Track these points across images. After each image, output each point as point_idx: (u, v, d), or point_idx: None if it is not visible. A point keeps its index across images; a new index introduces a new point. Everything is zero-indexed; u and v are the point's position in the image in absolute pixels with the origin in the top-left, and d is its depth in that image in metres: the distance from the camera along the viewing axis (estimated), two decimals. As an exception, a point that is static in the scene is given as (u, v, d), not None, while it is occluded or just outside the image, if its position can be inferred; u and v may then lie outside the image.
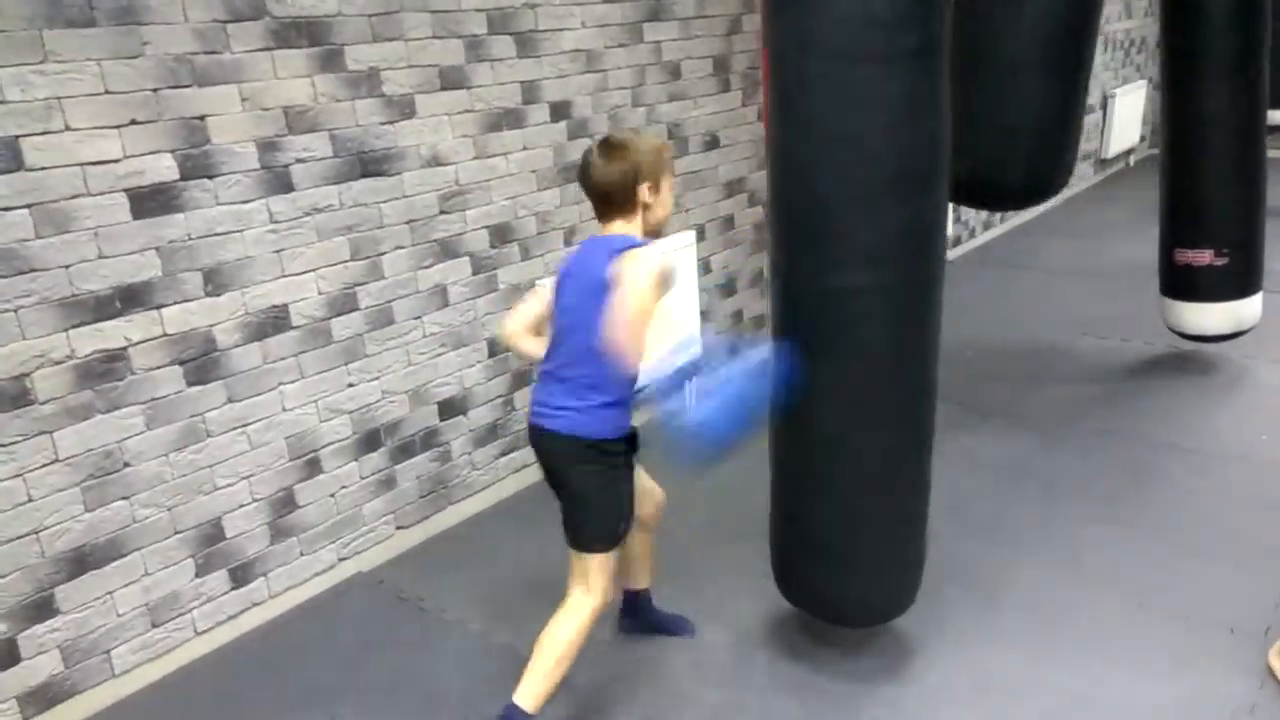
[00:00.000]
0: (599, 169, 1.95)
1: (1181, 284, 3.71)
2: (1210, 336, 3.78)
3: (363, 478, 2.81)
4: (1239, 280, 3.62)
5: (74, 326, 2.17)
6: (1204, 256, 3.61)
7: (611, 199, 1.96)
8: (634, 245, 1.90)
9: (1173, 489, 2.95)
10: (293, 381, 2.59)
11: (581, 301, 1.91)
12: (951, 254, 5.58)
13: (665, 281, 1.88)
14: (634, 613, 2.43)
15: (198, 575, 2.47)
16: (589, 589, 1.98)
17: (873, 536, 2.08)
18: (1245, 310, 3.67)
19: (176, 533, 2.42)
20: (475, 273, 3.00)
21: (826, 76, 1.81)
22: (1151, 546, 2.63)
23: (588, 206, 3.31)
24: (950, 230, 5.40)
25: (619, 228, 1.97)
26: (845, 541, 2.09)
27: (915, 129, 1.84)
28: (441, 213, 2.87)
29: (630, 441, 2.03)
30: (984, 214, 6.00)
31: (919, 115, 1.83)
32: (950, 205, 5.34)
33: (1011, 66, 2.92)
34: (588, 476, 1.97)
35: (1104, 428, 3.38)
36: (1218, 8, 3.29)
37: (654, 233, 2.01)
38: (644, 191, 1.94)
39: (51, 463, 2.18)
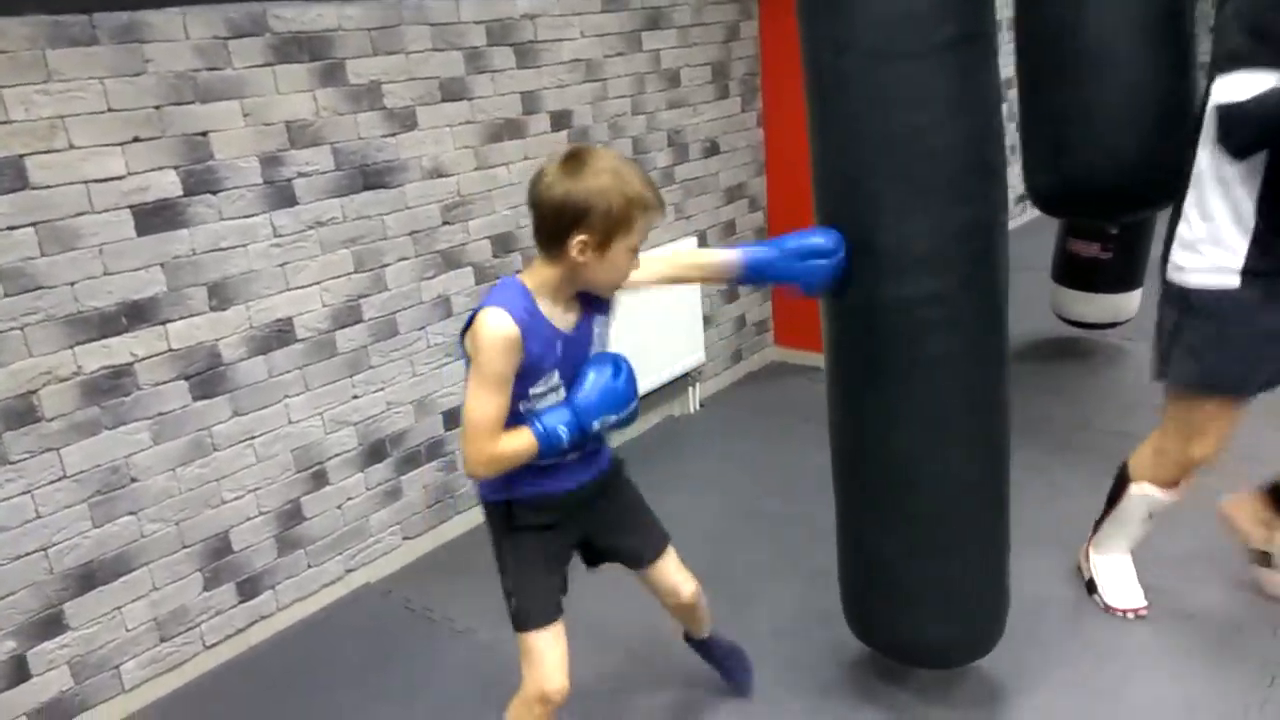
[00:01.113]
0: (544, 183, 1.51)
1: (1071, 272, 3.88)
2: (1090, 324, 3.96)
3: (369, 489, 2.81)
4: (1125, 275, 3.78)
5: (80, 343, 2.18)
6: (1092, 248, 3.73)
7: (540, 227, 1.53)
8: (493, 302, 1.52)
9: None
10: (298, 394, 2.60)
11: (464, 360, 1.60)
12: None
13: (498, 351, 1.50)
14: (693, 644, 2.17)
15: (206, 589, 2.48)
16: (525, 673, 1.73)
17: (948, 567, 1.91)
18: (1124, 304, 3.85)
19: (184, 547, 2.42)
20: (478, 283, 3.01)
21: (863, 76, 1.70)
22: (1161, 544, 2.62)
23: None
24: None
25: (531, 268, 1.58)
26: (918, 574, 1.92)
27: (965, 123, 1.71)
28: (444, 223, 2.88)
29: (545, 506, 1.69)
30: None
31: (969, 109, 1.71)
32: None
33: (1107, 53, 2.61)
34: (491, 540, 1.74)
35: (1097, 424, 3.38)
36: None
37: (596, 293, 1.63)
38: (575, 245, 1.49)
39: (59, 479, 2.19)
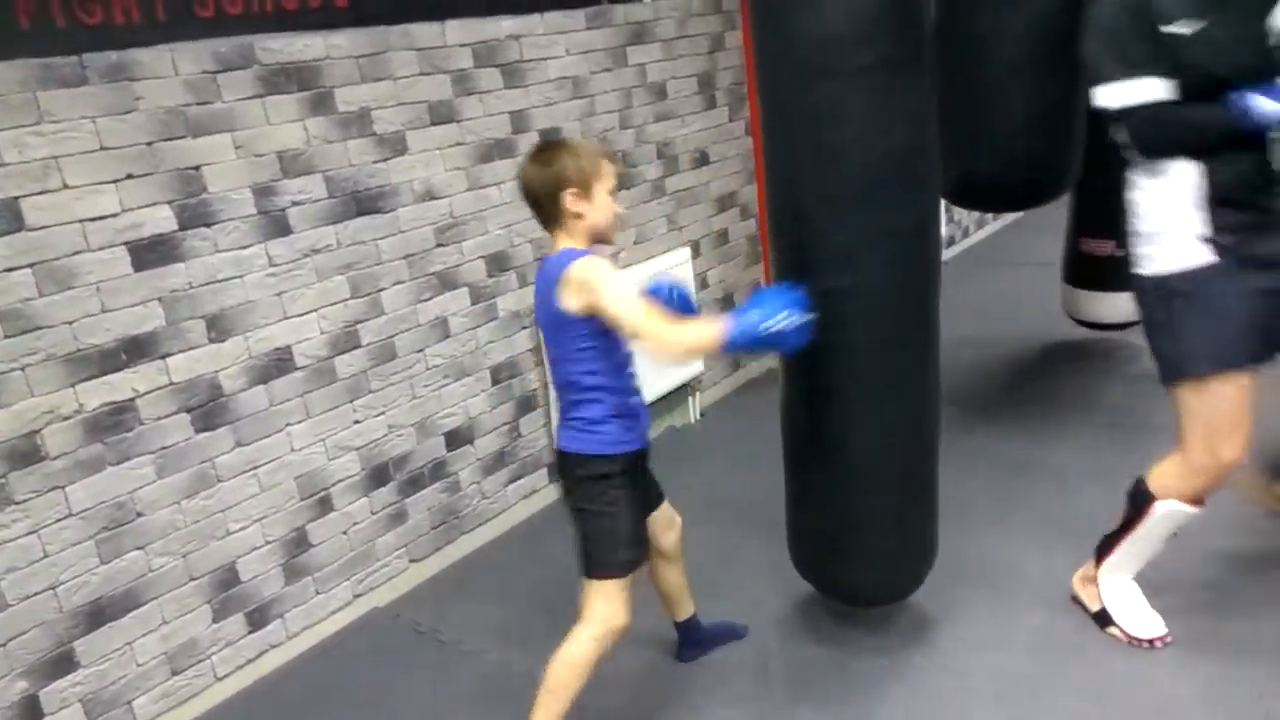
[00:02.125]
0: (525, 174, 1.90)
1: (1084, 272, 3.86)
2: (1105, 325, 3.92)
3: (373, 513, 2.82)
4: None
5: (81, 381, 2.19)
6: (1106, 247, 3.70)
7: (540, 208, 1.91)
8: (574, 258, 1.84)
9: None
10: (299, 422, 2.61)
11: (550, 334, 1.92)
12: (946, 254, 5.60)
13: (611, 268, 1.85)
14: (689, 642, 2.41)
15: (215, 621, 2.48)
16: (588, 617, 1.95)
17: (874, 532, 2.17)
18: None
19: (192, 579, 2.43)
20: (474, 302, 3.03)
21: (796, 92, 1.91)
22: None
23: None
24: (944, 230, 5.42)
25: (561, 242, 1.92)
26: (849, 536, 2.19)
27: (886, 139, 1.90)
28: (438, 245, 2.90)
29: (635, 462, 1.98)
30: (976, 214, 6.02)
31: (890, 126, 1.90)
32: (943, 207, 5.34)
33: (1009, 69, 2.94)
34: (582, 498, 1.95)
35: (1107, 420, 3.39)
36: None
37: (601, 240, 1.95)
38: (569, 199, 1.86)
39: (65, 517, 2.20)
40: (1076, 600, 2.40)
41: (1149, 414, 3.39)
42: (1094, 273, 3.82)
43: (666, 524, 2.19)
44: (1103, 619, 2.32)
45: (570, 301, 1.82)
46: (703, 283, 3.88)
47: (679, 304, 2.02)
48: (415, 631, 2.71)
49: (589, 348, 1.87)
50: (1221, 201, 1.95)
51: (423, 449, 2.93)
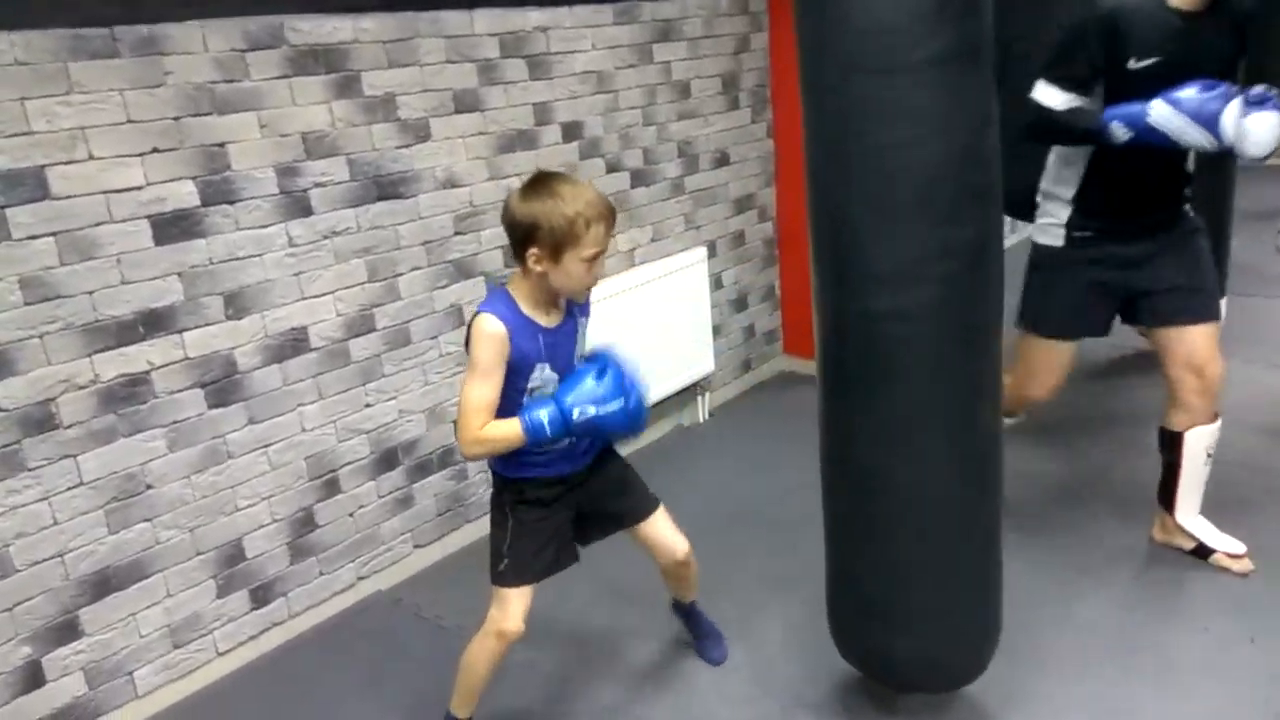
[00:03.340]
0: (509, 203, 1.79)
1: None
2: None
3: (380, 497, 2.83)
4: None
5: (98, 351, 2.21)
6: None
7: (510, 240, 1.81)
8: (482, 310, 1.80)
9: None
10: (312, 402, 2.62)
11: None
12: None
13: (484, 344, 1.77)
14: (679, 611, 2.44)
15: (219, 596, 2.50)
16: (488, 617, 1.99)
17: (923, 588, 1.88)
18: None
19: (198, 554, 2.44)
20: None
21: (842, 90, 1.67)
22: (1171, 555, 2.63)
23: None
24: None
25: (510, 279, 1.86)
26: (888, 591, 1.91)
27: (945, 142, 1.66)
28: (457, 233, 2.90)
29: (542, 485, 1.94)
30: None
31: (949, 128, 1.66)
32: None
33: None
34: (491, 507, 2.02)
35: (1117, 432, 3.38)
36: None
37: (561, 295, 1.85)
38: (532, 257, 1.75)
39: (76, 486, 2.21)
40: (1168, 546, 2.64)
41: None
42: None
43: (663, 549, 2.13)
44: (1202, 552, 2.58)
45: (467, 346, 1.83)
46: (717, 283, 3.88)
47: (614, 379, 1.82)
48: (417, 616, 2.72)
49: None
50: (1097, 203, 2.37)
51: (432, 435, 2.94)
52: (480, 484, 3.11)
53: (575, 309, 1.93)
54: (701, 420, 3.89)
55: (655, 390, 3.51)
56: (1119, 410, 3.63)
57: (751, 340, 4.17)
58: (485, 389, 1.78)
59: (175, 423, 2.36)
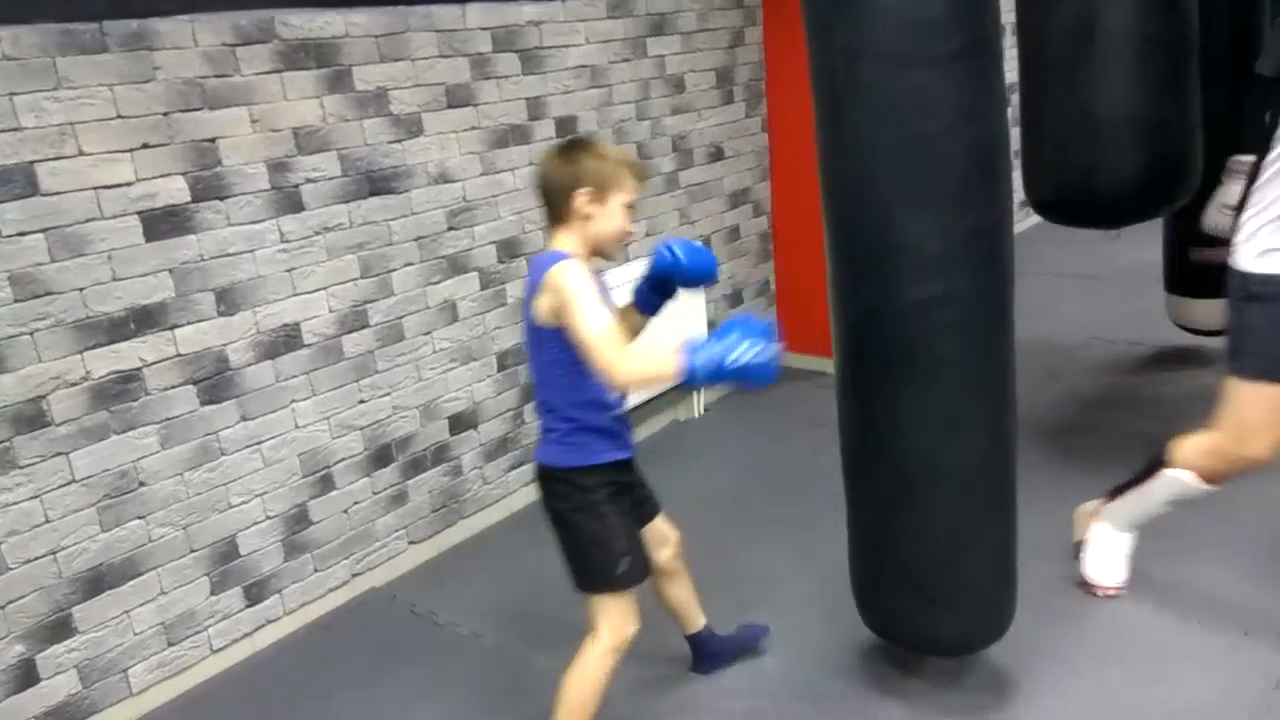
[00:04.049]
0: (545, 165, 1.82)
1: (1198, 281, 3.73)
2: (1220, 331, 3.83)
3: (374, 493, 2.82)
4: None
5: (89, 348, 2.20)
6: (1223, 254, 3.64)
7: (550, 202, 1.81)
8: (557, 260, 1.73)
9: (1246, 507, 2.91)
10: (305, 399, 2.61)
11: (528, 333, 1.82)
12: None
13: (587, 279, 1.72)
14: (704, 655, 2.30)
15: (213, 593, 2.49)
16: (595, 632, 1.87)
17: (961, 559, 1.96)
18: None
19: (191, 551, 2.43)
20: (484, 288, 3.02)
21: (877, 83, 1.73)
22: (1165, 548, 2.62)
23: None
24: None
25: (555, 242, 1.82)
26: (934, 566, 1.96)
27: (975, 130, 1.75)
28: (450, 229, 2.90)
29: (617, 472, 1.88)
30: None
31: (977, 116, 1.75)
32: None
33: (1106, 50, 2.62)
34: (561, 512, 1.87)
35: (1119, 431, 3.38)
36: (1219, 8, 3.28)
37: (601, 254, 1.85)
38: (581, 198, 1.76)
39: (68, 483, 2.20)
40: (1073, 527, 2.51)
41: (1158, 427, 3.38)
42: (1209, 280, 3.71)
43: (660, 540, 2.09)
44: (1077, 550, 2.47)
45: (543, 306, 1.73)
46: (712, 278, 3.87)
47: (688, 260, 1.88)
48: (411, 613, 2.72)
49: (563, 361, 1.76)
50: None
51: (426, 431, 2.93)
52: (474, 480, 3.10)
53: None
54: (696, 415, 3.88)
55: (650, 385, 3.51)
56: (1130, 406, 3.63)
57: (747, 335, 4.15)
58: (603, 314, 1.68)
59: (167, 420, 2.35)
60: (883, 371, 1.88)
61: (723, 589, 2.66)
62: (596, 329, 1.66)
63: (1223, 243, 3.60)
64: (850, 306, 1.91)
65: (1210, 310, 3.77)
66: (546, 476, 1.88)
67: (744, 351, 1.67)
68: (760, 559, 2.80)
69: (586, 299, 1.68)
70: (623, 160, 1.82)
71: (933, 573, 1.97)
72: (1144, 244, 4.27)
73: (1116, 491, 2.40)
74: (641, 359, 1.70)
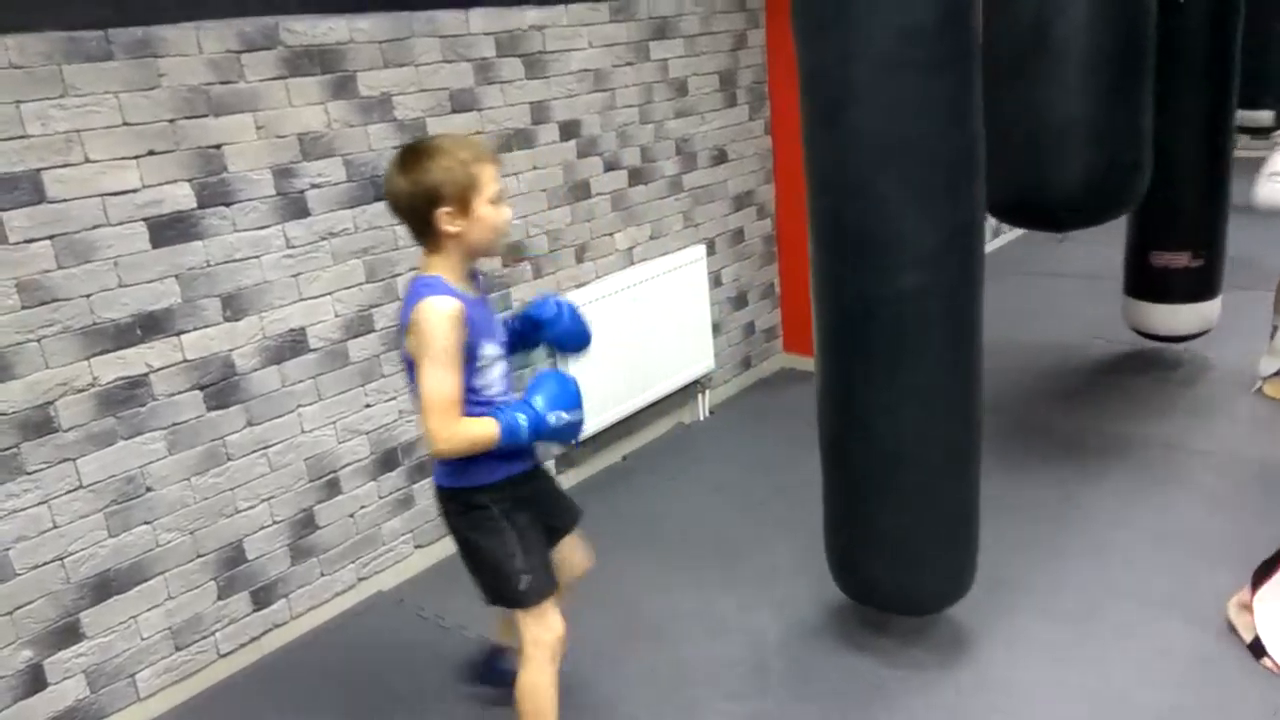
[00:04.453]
0: (392, 185, 1.68)
1: (1157, 286, 3.78)
2: (1179, 336, 3.87)
3: (381, 497, 2.83)
4: (1211, 281, 3.72)
5: (96, 354, 2.21)
6: (1181, 259, 3.66)
7: (409, 224, 1.71)
8: (425, 294, 1.66)
9: (1193, 492, 2.94)
10: (311, 403, 2.62)
11: (403, 361, 1.78)
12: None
13: (447, 328, 1.64)
14: (489, 670, 2.26)
15: (220, 598, 2.50)
16: (528, 640, 1.84)
17: (935, 528, 2.13)
18: (1213, 310, 3.79)
19: (199, 556, 2.44)
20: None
21: (872, 85, 1.84)
22: (1171, 550, 2.62)
23: (599, 224, 3.35)
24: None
25: (431, 264, 1.72)
26: (911, 535, 2.12)
27: (958, 132, 1.89)
28: (454, 233, 2.90)
29: (515, 487, 1.84)
30: (993, 222, 5.99)
31: (960, 119, 1.89)
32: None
33: (1059, 58, 2.67)
34: (459, 531, 1.86)
35: (1121, 431, 3.37)
36: (1193, 8, 3.29)
37: (483, 254, 1.79)
38: (443, 218, 1.65)
39: (75, 489, 2.21)
40: (1232, 629, 2.26)
41: (1161, 429, 3.38)
42: (1167, 285, 3.73)
43: (576, 564, 2.06)
44: (1257, 649, 2.19)
45: (410, 345, 1.69)
46: (717, 280, 3.88)
47: (568, 322, 1.92)
48: (418, 616, 2.72)
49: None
50: None
51: (432, 435, 2.93)
52: (481, 484, 3.10)
53: (482, 285, 1.87)
54: (702, 418, 3.88)
55: (656, 388, 3.51)
56: (1105, 401, 3.63)
57: (751, 338, 4.16)
58: (451, 379, 1.65)
59: (174, 425, 2.36)
60: (870, 357, 2.00)
61: (725, 589, 2.66)
62: (434, 392, 1.64)
63: (1183, 247, 3.65)
64: (838, 297, 2.02)
65: (1167, 316, 3.79)
66: (442, 496, 1.86)
67: (558, 414, 1.74)
68: (764, 561, 2.80)
69: (440, 351, 1.64)
70: (474, 155, 1.68)
71: (908, 540, 2.13)
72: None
73: (1265, 570, 2.24)
74: (462, 434, 1.68)
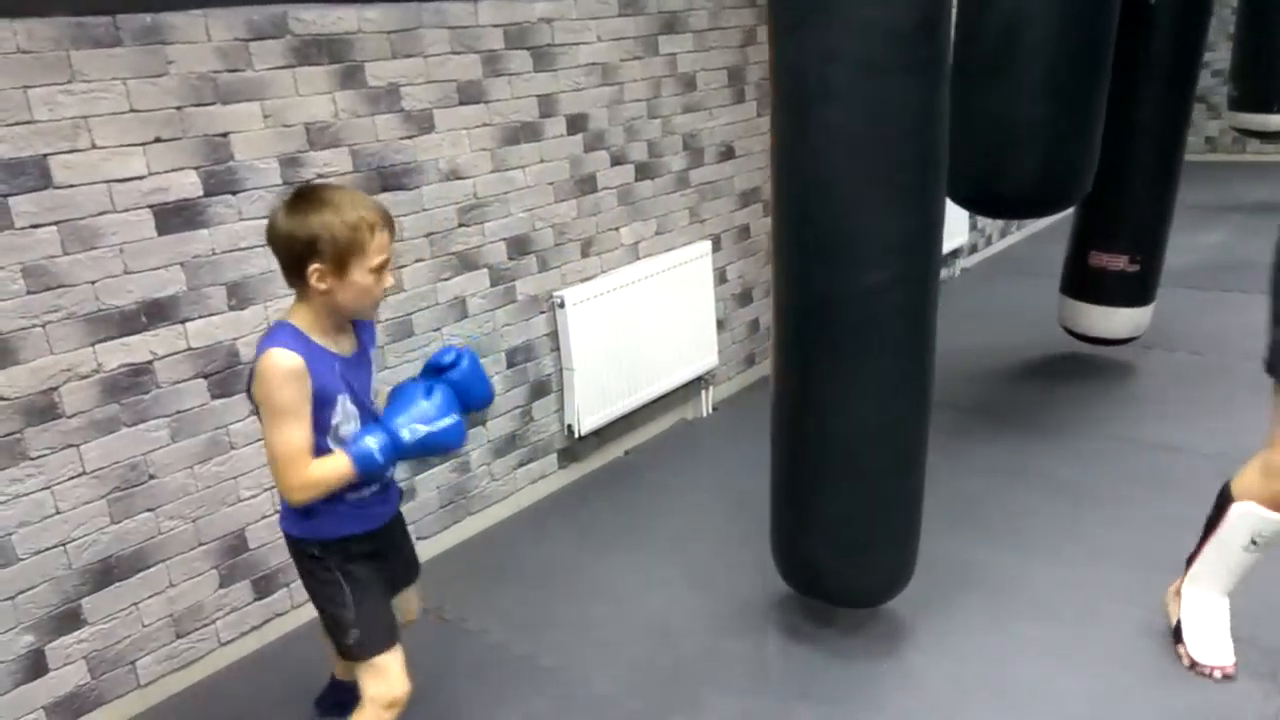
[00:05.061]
0: (275, 223, 1.61)
1: (1091, 286, 3.80)
2: (1109, 340, 3.88)
3: (383, 489, 2.83)
4: (1145, 287, 3.73)
5: (100, 341, 2.21)
6: (1119, 261, 3.66)
7: (281, 266, 1.63)
8: (273, 343, 1.60)
9: (1190, 495, 2.92)
10: (314, 394, 2.61)
11: (251, 407, 1.70)
12: (968, 261, 5.56)
13: (281, 382, 1.58)
14: (333, 698, 2.22)
15: (221, 586, 2.50)
16: (364, 694, 1.78)
17: (885, 521, 2.20)
18: (1144, 316, 3.80)
19: (201, 544, 2.44)
20: (494, 284, 3.03)
21: (851, 87, 1.88)
22: (1167, 553, 2.61)
23: (605, 218, 3.35)
24: (966, 238, 5.39)
25: (291, 310, 1.67)
26: (860, 528, 2.18)
27: (928, 134, 1.95)
28: (460, 225, 2.90)
29: (360, 543, 1.78)
30: (1001, 222, 5.98)
31: (931, 121, 1.95)
32: (967, 214, 5.27)
33: (1023, 63, 2.79)
34: (302, 576, 1.82)
35: (1119, 433, 3.37)
36: (1161, 17, 3.29)
37: (356, 317, 1.73)
38: (314, 274, 1.58)
39: (78, 475, 2.21)
40: (1165, 611, 2.31)
41: (1159, 431, 3.37)
42: (1102, 287, 3.77)
43: (409, 611, 2.04)
44: (1176, 634, 2.22)
45: (255, 391, 1.63)
46: (721, 277, 3.87)
47: (466, 371, 1.80)
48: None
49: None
50: None
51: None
52: (482, 476, 3.11)
53: (365, 336, 1.79)
54: (705, 414, 3.88)
55: (659, 384, 3.51)
56: (1053, 402, 3.62)
57: (756, 335, 4.16)
58: (297, 430, 1.59)
59: (178, 413, 2.36)
60: (831, 350, 2.05)
61: (725, 589, 2.66)
62: (278, 445, 1.59)
63: (1122, 250, 3.66)
64: (802, 291, 2.08)
65: (1099, 318, 3.80)
66: (289, 541, 1.82)
67: (413, 428, 1.63)
68: (764, 559, 2.79)
69: (279, 407, 1.58)
70: (367, 218, 1.59)
71: (860, 532, 2.18)
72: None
73: (1193, 556, 2.21)
74: (315, 479, 1.61)
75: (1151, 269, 3.72)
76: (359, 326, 1.78)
